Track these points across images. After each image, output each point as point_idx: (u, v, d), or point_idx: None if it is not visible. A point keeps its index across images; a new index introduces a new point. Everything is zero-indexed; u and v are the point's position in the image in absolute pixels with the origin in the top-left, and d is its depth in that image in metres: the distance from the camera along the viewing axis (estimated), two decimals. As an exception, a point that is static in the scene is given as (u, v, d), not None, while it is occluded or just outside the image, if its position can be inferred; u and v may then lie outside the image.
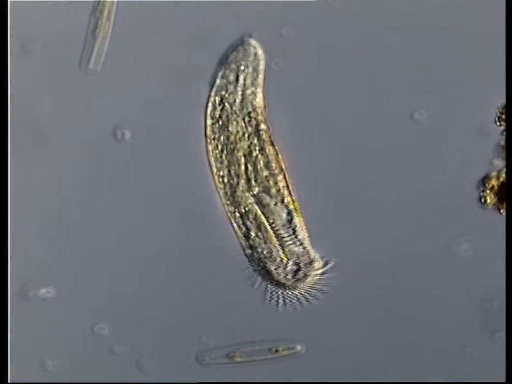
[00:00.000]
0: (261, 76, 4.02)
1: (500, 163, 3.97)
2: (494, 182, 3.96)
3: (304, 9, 3.96)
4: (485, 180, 3.98)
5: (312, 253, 4.05)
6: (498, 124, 3.94)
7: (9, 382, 3.85)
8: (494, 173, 3.98)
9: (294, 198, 4.05)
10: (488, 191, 3.97)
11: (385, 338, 4.05)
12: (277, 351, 4.07)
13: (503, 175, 3.95)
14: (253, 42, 4.00)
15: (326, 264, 4.04)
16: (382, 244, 4.03)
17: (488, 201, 3.97)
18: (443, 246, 4.04)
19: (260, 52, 4.01)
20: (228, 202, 4.05)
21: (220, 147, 4.04)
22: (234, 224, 4.06)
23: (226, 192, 4.06)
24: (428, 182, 4.01)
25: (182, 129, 4.04)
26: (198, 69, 4.03)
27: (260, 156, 4.03)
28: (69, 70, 4.06)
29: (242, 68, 3.98)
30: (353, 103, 4.02)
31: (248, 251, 4.07)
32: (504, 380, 3.71)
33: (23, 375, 4.07)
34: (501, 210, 3.96)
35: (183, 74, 4.03)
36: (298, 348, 4.09)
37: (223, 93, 4.04)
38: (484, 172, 3.98)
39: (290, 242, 4.06)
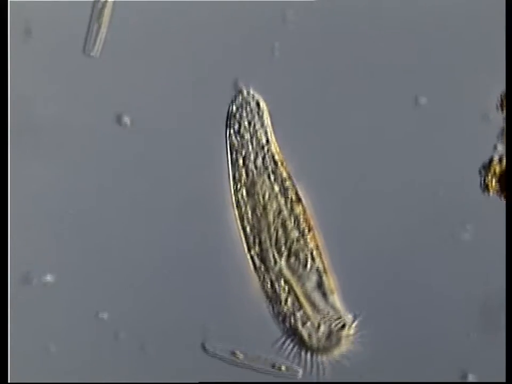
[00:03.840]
0: (270, 128, 4.05)
1: (503, 149, 3.98)
2: (496, 168, 3.97)
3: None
4: (487, 165, 3.99)
5: (344, 316, 4.06)
6: (500, 110, 3.95)
7: (9, 382, 3.84)
8: (496, 159, 3.99)
9: (324, 258, 4.04)
10: (490, 177, 3.98)
11: (385, 339, 4.07)
12: (279, 369, 4.08)
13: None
14: (251, 92, 4.02)
15: (357, 326, 4.06)
16: (385, 231, 4.05)
17: (490, 187, 3.98)
18: (446, 231, 4.04)
19: (261, 102, 4.03)
20: (260, 267, 4.06)
21: (249, 212, 4.04)
22: (266, 289, 4.06)
23: (257, 256, 4.05)
24: (431, 167, 4.02)
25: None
26: (200, 54, 4.01)
27: (288, 217, 4.02)
28: (68, 70, 4.07)
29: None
30: (356, 90, 4.02)
31: (280, 317, 4.07)
32: (504, 380, 3.75)
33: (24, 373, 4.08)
34: (503, 196, 3.97)
35: (185, 62, 4.01)
36: (300, 375, 4.09)
37: (243, 153, 4.04)
38: (487, 157, 4.00)
39: (321, 306, 4.05)
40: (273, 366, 4.07)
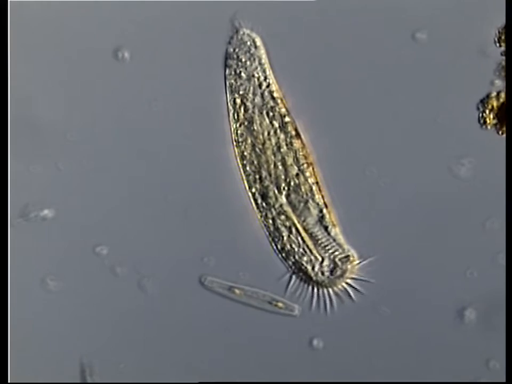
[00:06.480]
0: (267, 64, 4.04)
1: (500, 84, 3.98)
2: (494, 103, 3.98)
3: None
4: (484, 100, 4.00)
5: (347, 249, 4.09)
6: (498, 45, 3.94)
7: (9, 382, 3.88)
8: (494, 94, 3.99)
9: (324, 193, 4.06)
10: (487, 112, 3.99)
11: (385, 339, 4.13)
12: (276, 305, 4.13)
13: (503, 95, 3.97)
14: (246, 31, 4.00)
15: (361, 258, 4.08)
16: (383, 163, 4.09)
17: (488, 122, 3.99)
18: (444, 167, 4.08)
19: (258, 40, 4.02)
20: (260, 204, 4.08)
21: (248, 149, 4.04)
22: (267, 227, 4.09)
23: (258, 194, 4.07)
24: (428, 102, 4.03)
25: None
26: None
27: (288, 152, 4.02)
28: (68, 70, 4.11)
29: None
30: (354, 27, 4.02)
31: (283, 254, 4.09)
32: (504, 380, 3.76)
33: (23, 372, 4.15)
34: (500, 132, 3.99)
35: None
36: (296, 312, 4.14)
37: (241, 92, 4.03)
38: (484, 92, 4.00)
39: (324, 240, 4.08)
40: (269, 303, 4.13)
